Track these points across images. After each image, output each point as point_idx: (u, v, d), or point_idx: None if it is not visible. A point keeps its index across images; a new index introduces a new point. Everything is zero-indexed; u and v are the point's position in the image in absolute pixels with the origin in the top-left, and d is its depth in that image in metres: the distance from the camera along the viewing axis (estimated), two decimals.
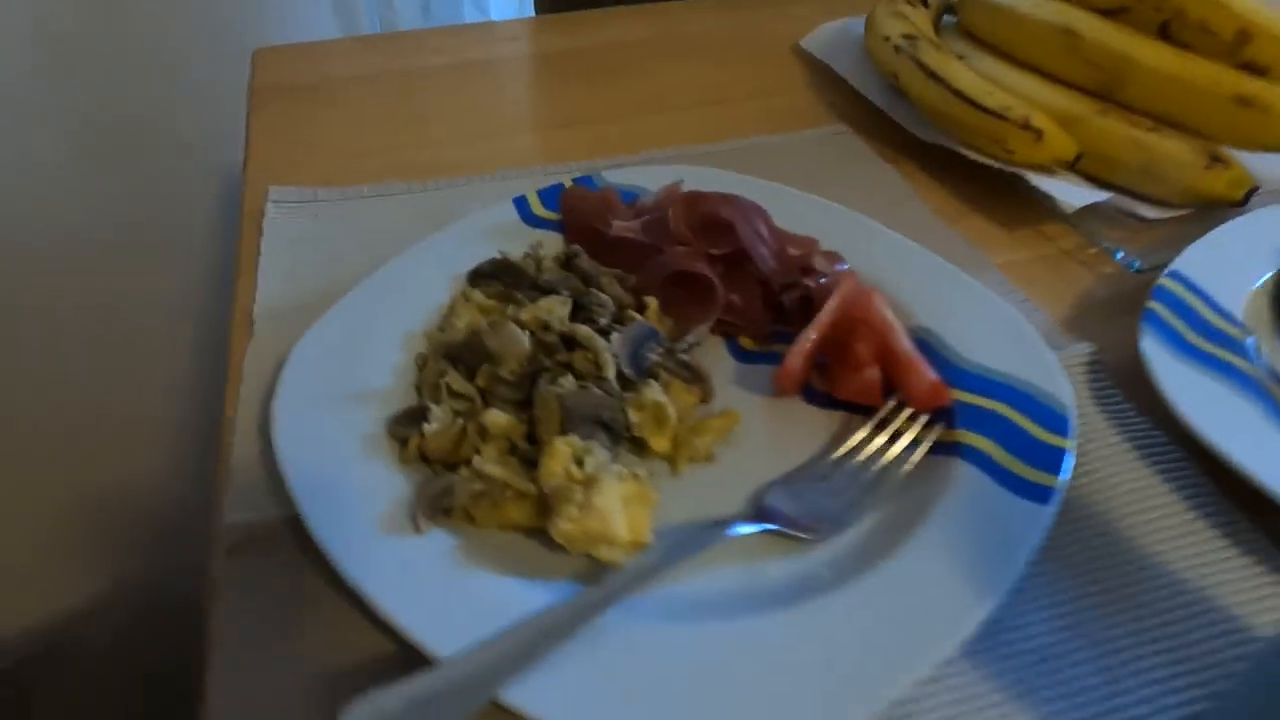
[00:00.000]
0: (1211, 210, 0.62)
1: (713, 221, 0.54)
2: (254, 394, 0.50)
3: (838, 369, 0.47)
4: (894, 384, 0.46)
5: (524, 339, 0.45)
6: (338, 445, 0.43)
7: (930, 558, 0.38)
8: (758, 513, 0.41)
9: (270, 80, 0.85)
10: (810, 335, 0.47)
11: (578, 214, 0.57)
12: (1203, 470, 0.44)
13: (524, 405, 0.45)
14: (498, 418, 0.42)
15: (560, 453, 0.40)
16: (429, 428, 0.43)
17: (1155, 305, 0.50)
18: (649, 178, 0.61)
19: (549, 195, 0.60)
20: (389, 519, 0.40)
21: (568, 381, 0.44)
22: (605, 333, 0.47)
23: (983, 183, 0.67)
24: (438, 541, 0.39)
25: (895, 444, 0.44)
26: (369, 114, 0.79)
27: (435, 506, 0.40)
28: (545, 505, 0.40)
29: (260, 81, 0.84)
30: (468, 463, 0.42)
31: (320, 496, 0.40)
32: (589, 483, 0.39)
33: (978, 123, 0.65)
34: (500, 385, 0.45)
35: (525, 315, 0.48)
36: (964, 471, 0.42)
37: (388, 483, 0.41)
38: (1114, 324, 0.56)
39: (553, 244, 0.57)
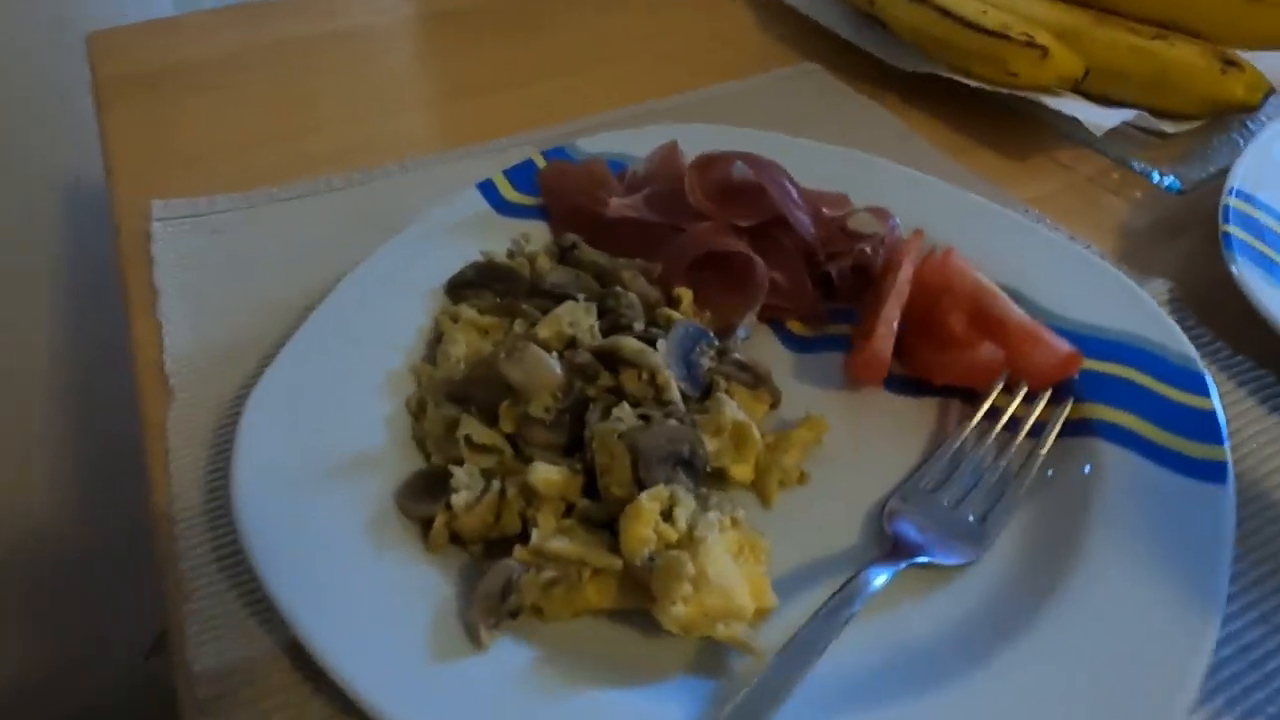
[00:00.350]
0: (1224, 119, 0.58)
1: (735, 187, 0.45)
2: (191, 476, 0.38)
3: (924, 348, 0.39)
4: (1005, 358, 0.38)
5: (553, 364, 0.35)
6: (335, 538, 0.32)
7: (1117, 573, 0.31)
8: (893, 546, 0.33)
9: (116, 70, 0.69)
10: (894, 311, 0.39)
11: (563, 195, 0.47)
12: None
13: (569, 450, 0.35)
14: (548, 474, 0.33)
15: (646, 512, 0.31)
16: (458, 499, 0.32)
17: (1233, 229, 0.45)
18: (632, 143, 0.51)
19: (520, 176, 0.49)
20: (437, 637, 0.30)
21: (624, 412, 0.34)
22: (646, 342, 0.37)
23: (980, 112, 0.61)
24: (507, 655, 0.29)
25: (1017, 432, 0.37)
26: (241, 100, 0.65)
27: (498, 610, 0.30)
28: (632, 580, 0.31)
29: (104, 72, 0.68)
30: (515, 538, 0.33)
31: (328, 616, 0.29)
32: (691, 546, 0.30)
33: (974, 45, 0.58)
34: (533, 428, 0.35)
35: (543, 332, 0.38)
36: (1111, 454, 0.35)
37: (418, 584, 0.31)
38: (1168, 253, 0.51)
39: (538, 235, 0.47)
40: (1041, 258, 0.43)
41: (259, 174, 0.56)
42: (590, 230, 0.45)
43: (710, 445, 0.35)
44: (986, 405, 0.38)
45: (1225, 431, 0.35)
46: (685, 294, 0.41)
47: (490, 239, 0.45)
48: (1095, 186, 0.56)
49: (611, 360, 0.36)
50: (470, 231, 0.46)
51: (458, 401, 0.36)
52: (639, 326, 0.39)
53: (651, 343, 0.37)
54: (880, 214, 0.45)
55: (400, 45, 0.74)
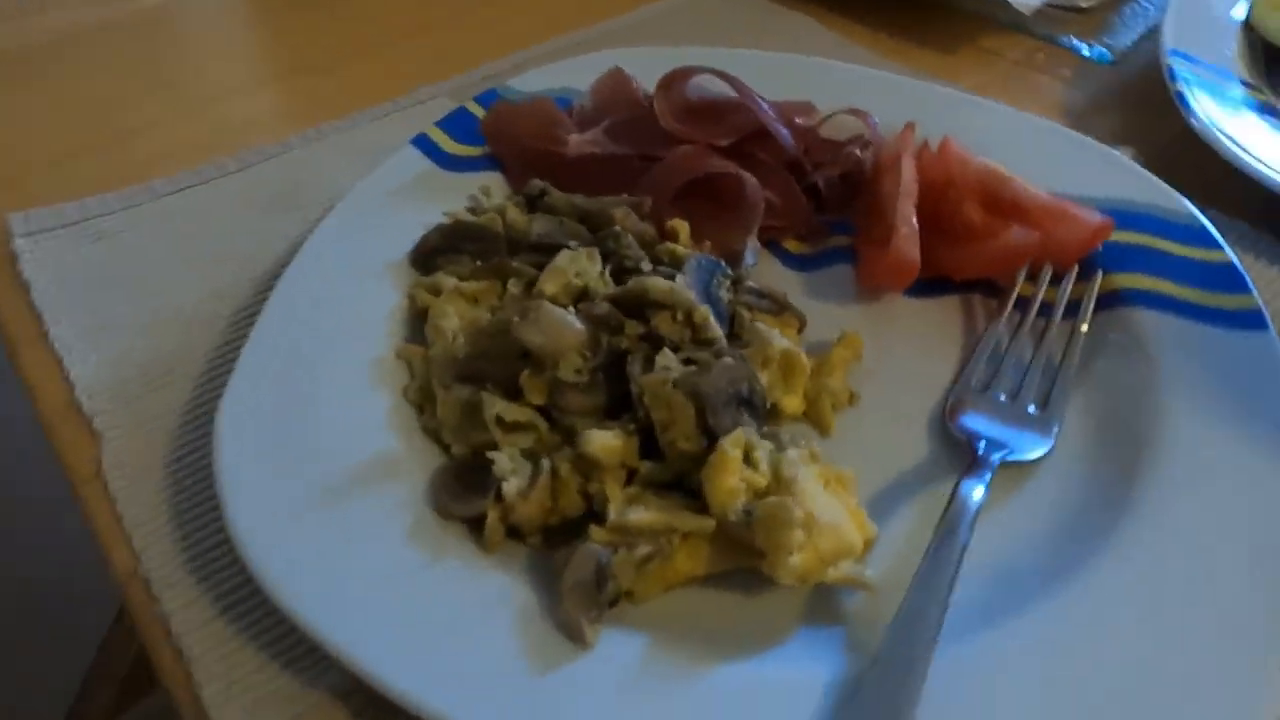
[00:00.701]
0: None
1: (703, 106, 0.42)
2: (154, 525, 0.32)
3: (941, 245, 0.37)
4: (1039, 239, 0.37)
5: (574, 320, 0.31)
6: (374, 560, 0.27)
7: (1204, 436, 0.30)
8: (971, 453, 0.31)
9: None
10: (909, 210, 0.36)
11: (514, 140, 0.42)
12: None
13: (610, 412, 0.31)
14: (606, 441, 0.29)
15: (732, 461, 0.27)
16: (509, 488, 0.28)
17: (1181, 87, 0.46)
18: (569, 75, 0.47)
19: (458, 126, 0.44)
20: (531, 646, 0.25)
21: (668, 360, 0.30)
22: (667, 279, 0.34)
23: (904, 10, 0.59)
24: (617, 649, 0.26)
25: (1051, 316, 0.36)
26: (56, 97, 0.55)
27: (595, 600, 0.26)
28: (725, 539, 0.28)
29: None
30: (579, 520, 0.29)
31: (397, 649, 0.25)
32: (785, 489, 0.27)
33: None
34: (567, 393, 0.31)
35: (549, 287, 0.33)
36: (1151, 321, 0.35)
37: (487, 592, 0.27)
38: (1114, 121, 0.51)
39: (496, 187, 0.42)
40: (1027, 139, 0.43)
41: (130, 169, 0.48)
42: (551, 174, 0.41)
43: (762, 378, 0.32)
44: (1015, 292, 0.36)
45: (1246, 277, 0.35)
46: (681, 225, 0.38)
47: (443, 199, 0.40)
48: (1026, 69, 0.56)
49: (634, 306, 0.32)
50: (417, 194, 0.40)
51: (469, 380, 0.31)
52: (646, 267, 0.35)
53: (671, 277, 0.34)
54: (859, 114, 0.43)
55: (263, 11, 0.65)
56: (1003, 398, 0.34)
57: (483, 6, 0.62)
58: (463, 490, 0.29)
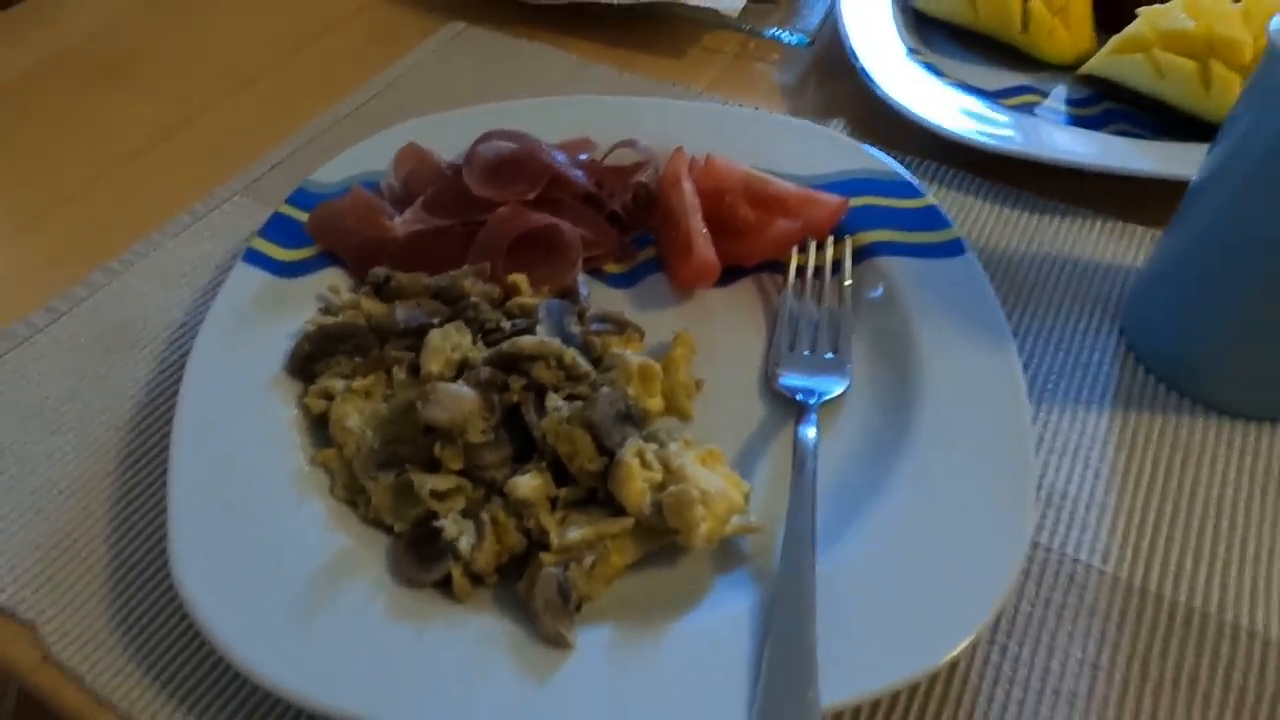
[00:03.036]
0: None
1: (500, 165, 0.47)
2: (137, 686, 0.34)
3: (728, 242, 0.46)
4: (786, 219, 0.46)
5: (467, 390, 0.37)
6: (381, 650, 0.32)
7: (943, 341, 0.41)
8: (796, 404, 0.40)
9: None
10: (698, 222, 0.45)
11: (344, 233, 0.46)
12: (970, 166, 0.53)
13: (519, 456, 0.37)
14: (530, 483, 0.35)
15: (634, 469, 0.35)
16: (464, 546, 0.33)
17: (864, 63, 0.57)
18: (365, 159, 0.50)
19: (281, 231, 0.46)
20: (529, 661, 0.31)
21: (555, 401, 0.37)
22: (526, 335, 0.40)
23: (627, 25, 0.67)
24: (592, 641, 0.32)
25: (822, 278, 0.46)
26: None
27: (565, 611, 0.32)
28: (642, 529, 0.35)
29: None
30: (525, 554, 0.35)
31: (429, 708, 0.30)
32: (678, 476, 0.35)
33: None
34: (480, 452, 0.36)
35: (433, 367, 0.38)
36: (890, 265, 0.45)
37: (478, 636, 0.32)
38: (825, 95, 0.62)
39: (341, 283, 0.45)
40: (765, 136, 0.52)
41: None
42: (386, 258, 0.45)
43: (630, 392, 0.39)
44: (793, 265, 0.46)
45: (946, 216, 0.47)
46: (520, 279, 0.44)
47: (295, 306, 0.43)
48: (743, 60, 0.66)
49: (511, 363, 0.38)
50: (267, 307, 0.43)
51: (390, 466, 0.36)
52: (506, 325, 0.41)
53: (529, 333, 0.40)
54: (630, 144, 0.50)
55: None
56: (806, 352, 0.43)
57: (234, 93, 0.63)
58: (422, 560, 0.34)
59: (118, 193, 0.56)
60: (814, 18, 0.66)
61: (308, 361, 0.40)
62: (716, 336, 0.45)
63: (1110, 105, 0.58)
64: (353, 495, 0.37)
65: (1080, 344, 0.46)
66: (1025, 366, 0.44)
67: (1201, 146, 0.52)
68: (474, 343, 0.40)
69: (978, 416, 0.38)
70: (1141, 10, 0.56)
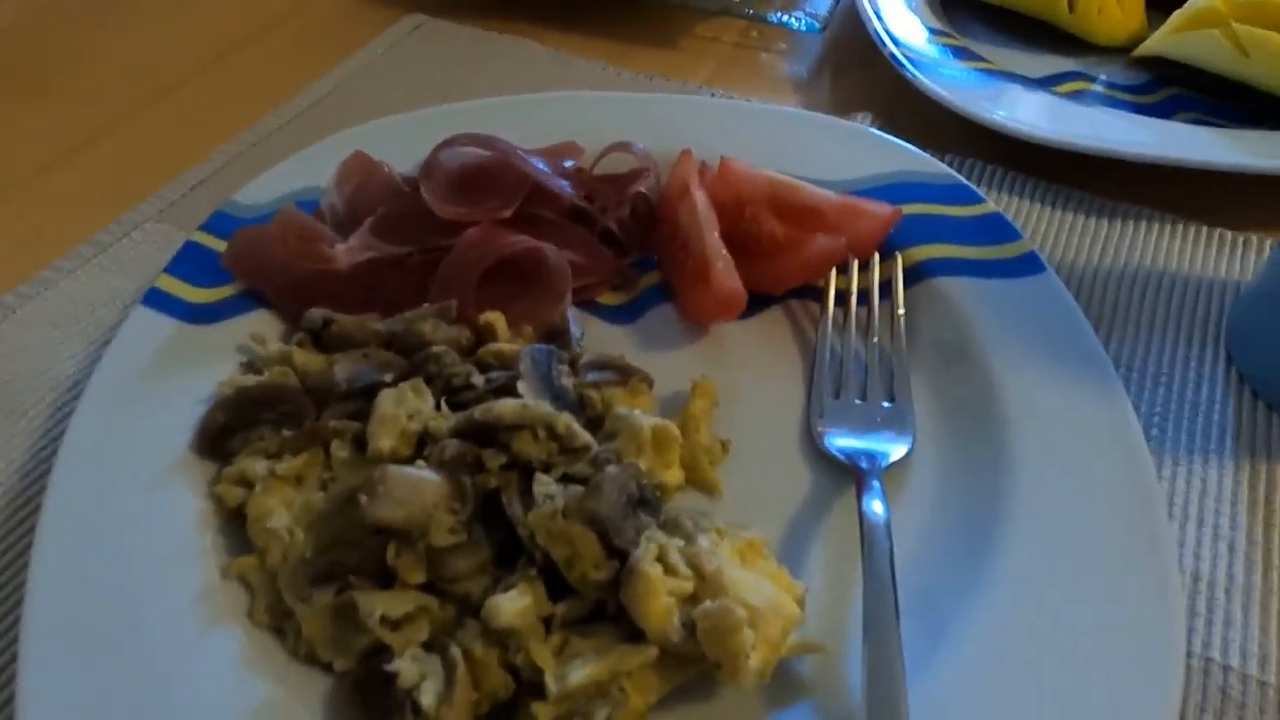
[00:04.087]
0: None
1: (467, 177, 0.38)
2: None
3: (752, 264, 0.37)
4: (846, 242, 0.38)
5: (427, 474, 0.27)
6: None
7: (1030, 384, 0.33)
8: (859, 474, 0.31)
9: None
10: (716, 241, 0.36)
11: (270, 268, 0.37)
12: (1021, 165, 0.45)
13: (501, 560, 0.28)
14: (514, 605, 0.26)
15: (655, 580, 0.26)
16: (426, 698, 0.24)
17: (893, 50, 0.49)
18: (301, 173, 0.41)
19: (194, 265, 0.37)
20: None
21: (546, 487, 0.28)
22: (500, 393, 0.31)
23: (615, 14, 0.58)
24: None
25: (869, 304, 0.37)
26: None
27: None
28: (670, 657, 0.26)
29: None
30: (513, 702, 0.26)
31: None
32: (712, 586, 0.26)
33: None
34: (447, 560, 0.27)
35: (384, 444, 0.29)
36: (952, 286, 0.37)
37: None
38: (844, 86, 0.54)
39: (268, 330, 0.36)
40: (785, 134, 0.43)
41: None
42: (325, 295, 0.36)
43: (644, 466, 0.30)
44: (832, 291, 0.37)
45: (1014, 225, 0.38)
46: (496, 319, 0.35)
47: (209, 363, 0.34)
48: (745, 49, 0.57)
49: (487, 434, 0.29)
50: (173, 365, 0.34)
51: (328, 580, 0.27)
52: (478, 379, 0.32)
53: (509, 391, 0.31)
54: (624, 147, 0.41)
55: None
56: (856, 400, 0.34)
57: (150, 103, 0.53)
58: (371, 713, 0.25)
59: (5, 223, 0.46)
60: (824, 0, 0.58)
61: (221, 437, 0.31)
62: (741, 383, 0.36)
63: (1176, 90, 0.50)
64: (278, 621, 0.27)
65: (1185, 376, 0.37)
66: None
67: None
68: (438, 407, 0.30)
69: (1088, 481, 0.30)
70: None
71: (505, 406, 0.29)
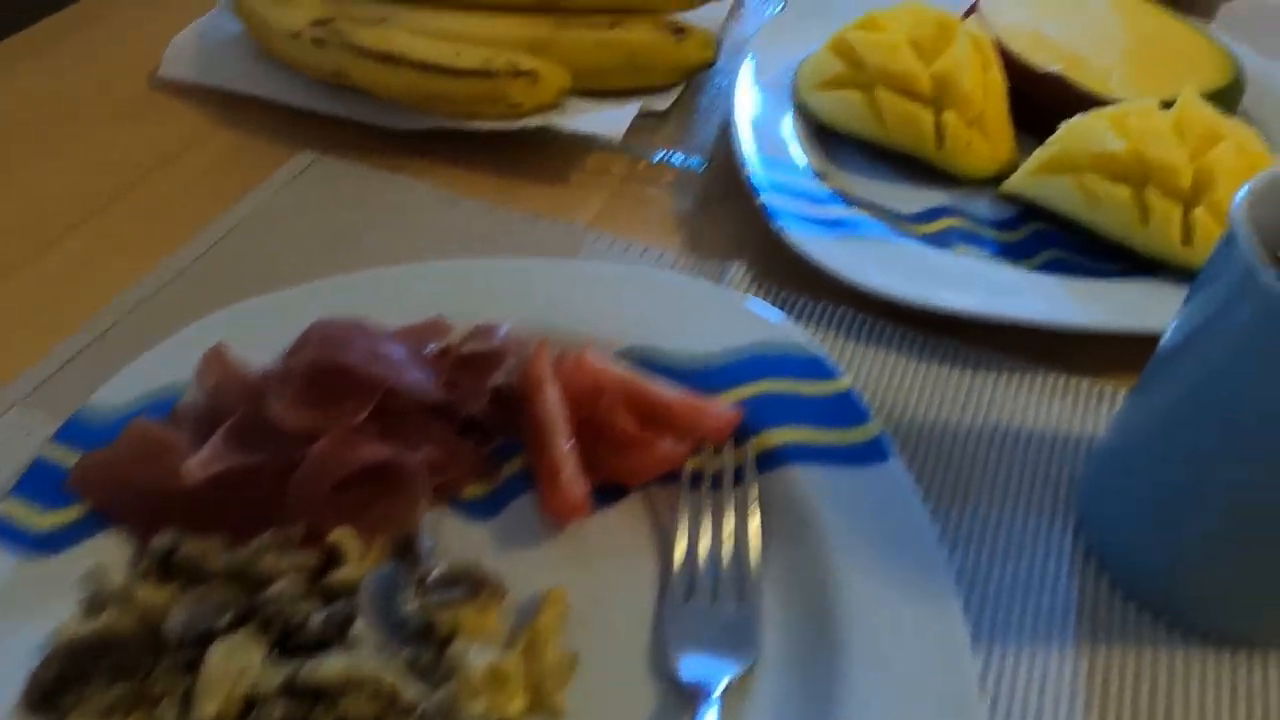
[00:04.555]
0: (696, 78, 0.64)
1: (322, 376, 0.38)
2: None
3: (606, 454, 0.38)
4: (673, 435, 0.38)
5: None
6: None
7: (872, 595, 0.34)
8: (699, 694, 0.32)
9: None
10: (562, 444, 0.36)
11: (123, 487, 0.36)
12: (893, 316, 0.47)
13: None
14: None
15: None
16: None
17: (771, 198, 0.50)
18: (165, 368, 0.41)
19: (44, 484, 0.37)
20: None
21: None
22: (336, 626, 0.31)
23: (503, 150, 0.59)
24: None
25: (721, 489, 0.38)
26: None
27: None
28: None
29: None
30: None
31: None
32: None
33: (463, 89, 0.56)
34: None
35: (208, 709, 0.29)
36: (800, 474, 0.37)
37: None
38: (729, 223, 0.54)
39: (113, 559, 0.35)
40: (650, 301, 0.44)
41: None
42: (179, 513, 0.36)
43: (476, 710, 0.30)
44: (684, 493, 0.38)
45: (864, 406, 0.39)
46: (344, 538, 0.35)
47: (49, 601, 0.33)
48: (634, 183, 0.58)
49: (314, 694, 0.29)
50: (12, 603, 0.33)
51: None
52: (317, 618, 0.32)
53: (347, 623, 0.31)
54: (485, 331, 0.42)
55: None
56: (705, 605, 0.35)
57: (18, 266, 0.51)
58: None
59: None
60: (707, 133, 0.59)
61: (53, 696, 0.31)
62: (595, 579, 0.36)
63: (1039, 226, 0.51)
64: None
65: (1034, 548, 0.38)
66: (970, 586, 0.37)
67: (1154, 285, 0.46)
68: (269, 652, 0.30)
69: (909, 697, 0.31)
70: (1064, 124, 0.50)
71: (330, 669, 0.29)
